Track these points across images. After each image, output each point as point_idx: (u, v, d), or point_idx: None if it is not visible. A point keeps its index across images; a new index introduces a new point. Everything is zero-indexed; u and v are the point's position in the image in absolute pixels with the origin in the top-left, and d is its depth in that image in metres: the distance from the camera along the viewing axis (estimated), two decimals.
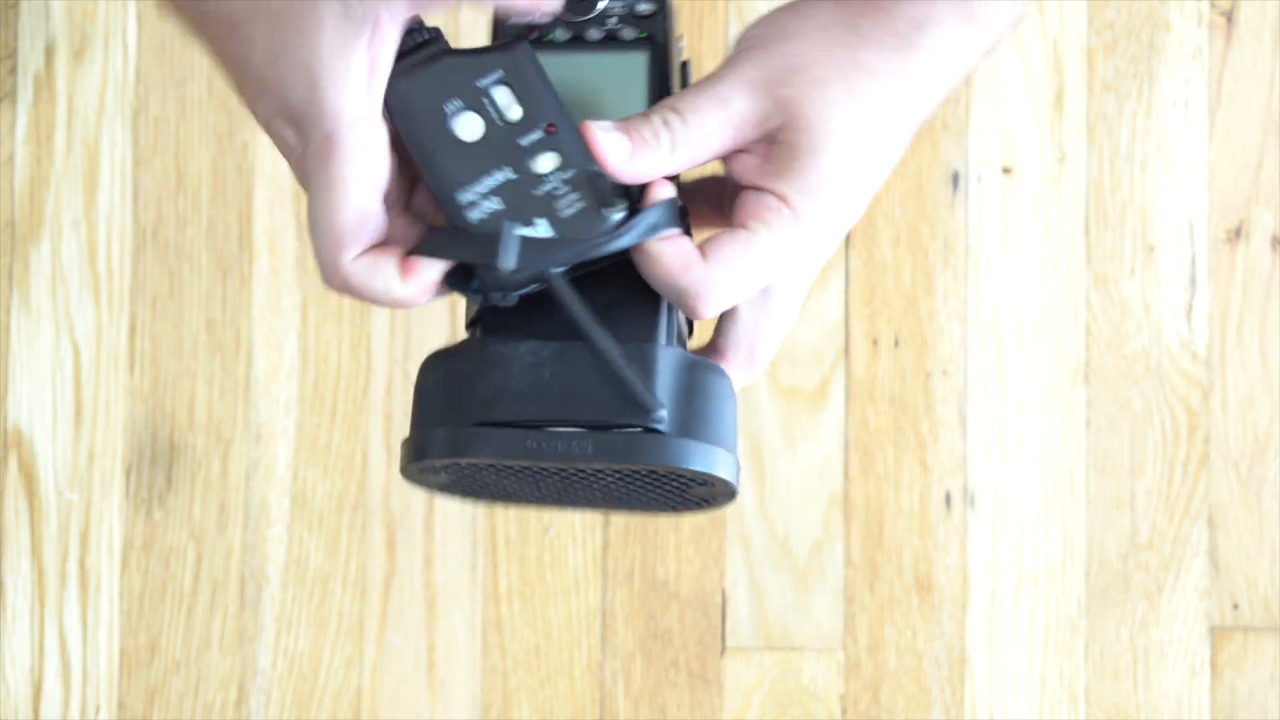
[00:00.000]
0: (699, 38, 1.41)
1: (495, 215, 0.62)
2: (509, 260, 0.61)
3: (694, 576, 1.37)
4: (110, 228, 1.39)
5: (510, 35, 0.68)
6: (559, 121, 0.63)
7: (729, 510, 1.38)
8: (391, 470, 1.37)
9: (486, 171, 0.63)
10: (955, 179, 1.40)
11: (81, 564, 1.37)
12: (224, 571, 1.37)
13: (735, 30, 1.40)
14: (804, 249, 0.65)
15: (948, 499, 1.37)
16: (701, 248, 0.65)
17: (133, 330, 1.39)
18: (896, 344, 1.39)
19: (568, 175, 0.63)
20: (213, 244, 1.39)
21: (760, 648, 1.37)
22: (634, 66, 0.68)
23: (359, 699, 1.36)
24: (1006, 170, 1.40)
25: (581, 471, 0.63)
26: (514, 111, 0.63)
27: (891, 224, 1.40)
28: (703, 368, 0.64)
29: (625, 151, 0.64)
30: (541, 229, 0.62)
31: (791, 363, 1.38)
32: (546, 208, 0.62)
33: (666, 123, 0.64)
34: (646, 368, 0.62)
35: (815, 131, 0.64)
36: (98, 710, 1.36)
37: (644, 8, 0.68)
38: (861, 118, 0.65)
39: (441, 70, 0.64)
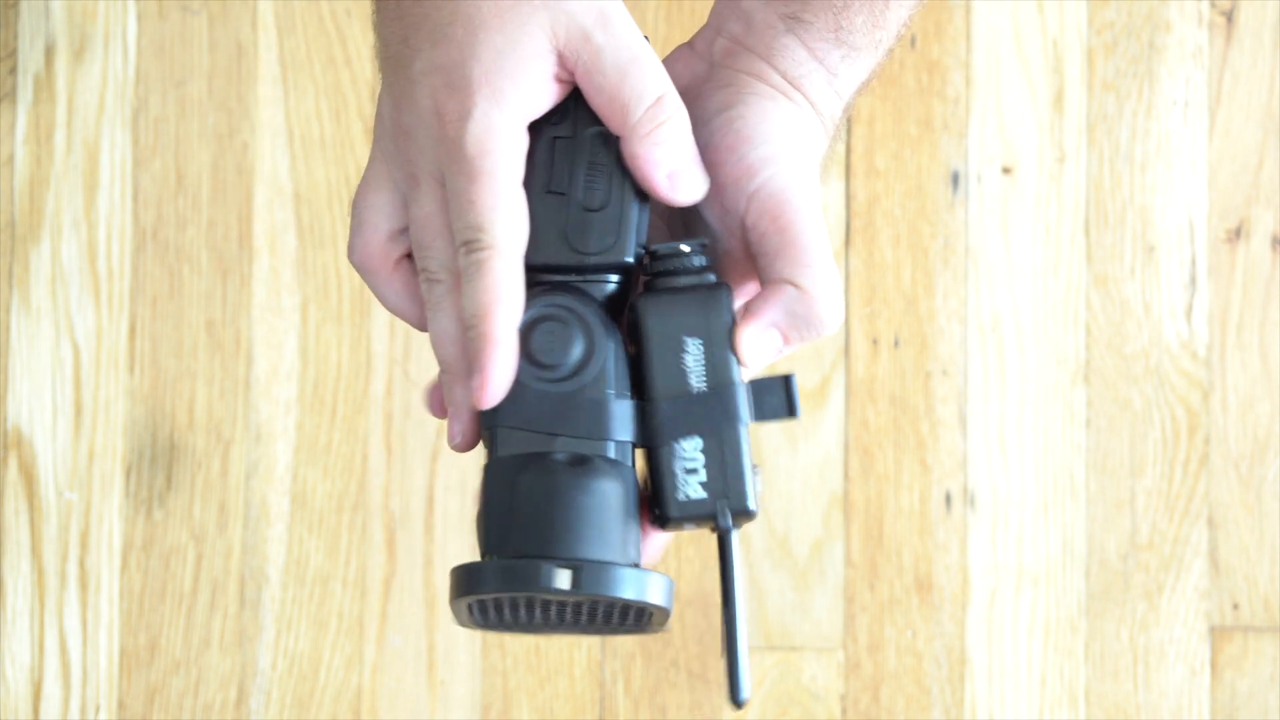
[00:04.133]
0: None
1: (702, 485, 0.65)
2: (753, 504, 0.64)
3: (694, 576, 1.37)
4: (110, 228, 1.39)
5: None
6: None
7: None
8: (391, 470, 1.37)
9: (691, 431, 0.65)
10: (955, 179, 1.40)
11: (81, 564, 1.37)
12: (224, 571, 1.37)
13: None
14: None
15: (948, 499, 1.37)
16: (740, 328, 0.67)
17: (133, 330, 1.39)
18: (896, 344, 1.39)
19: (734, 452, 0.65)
20: (213, 244, 1.39)
21: (760, 648, 1.37)
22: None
23: (359, 699, 1.36)
24: (1006, 170, 1.40)
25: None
26: (715, 375, 0.65)
27: (891, 224, 1.40)
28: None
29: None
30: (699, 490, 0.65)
31: (791, 362, 1.38)
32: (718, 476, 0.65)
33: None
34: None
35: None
36: (98, 710, 1.36)
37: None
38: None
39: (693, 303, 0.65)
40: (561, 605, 0.63)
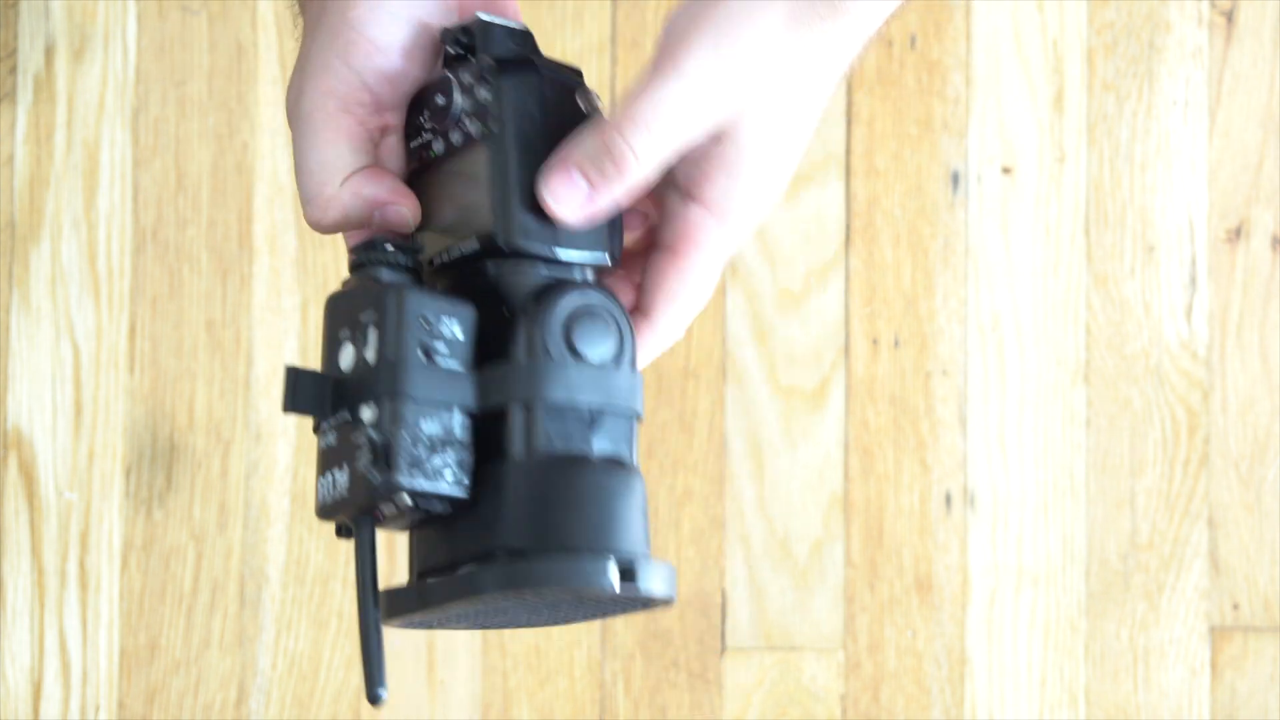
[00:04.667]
0: None
1: (324, 452, 0.63)
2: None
3: (694, 576, 1.37)
4: (110, 228, 1.39)
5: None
6: (394, 371, 0.62)
7: (729, 510, 1.38)
8: None
9: (339, 406, 0.63)
10: (955, 179, 1.40)
11: (81, 564, 1.37)
12: (224, 571, 1.37)
13: None
14: (734, 249, 0.65)
15: (948, 499, 1.37)
16: (640, 302, 0.64)
17: (133, 330, 1.39)
18: (896, 344, 1.39)
19: (373, 430, 0.62)
20: (213, 244, 1.39)
21: (760, 648, 1.37)
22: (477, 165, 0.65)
23: (359, 699, 1.36)
24: (1006, 170, 1.40)
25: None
26: (370, 353, 0.62)
27: (891, 224, 1.40)
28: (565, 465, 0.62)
29: (581, 199, 0.62)
30: (340, 480, 0.63)
31: (791, 363, 1.38)
32: (349, 456, 0.62)
33: (618, 151, 0.61)
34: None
35: (765, 137, 0.62)
36: (98, 710, 1.36)
37: (483, 95, 0.64)
38: (808, 114, 0.63)
39: (358, 292, 0.63)
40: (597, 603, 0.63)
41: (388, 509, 0.63)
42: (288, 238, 1.39)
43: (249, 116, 1.40)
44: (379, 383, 0.61)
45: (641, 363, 0.65)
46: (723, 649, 1.37)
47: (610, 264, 0.64)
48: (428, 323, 0.61)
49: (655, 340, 0.65)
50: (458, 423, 0.62)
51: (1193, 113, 1.41)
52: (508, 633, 1.37)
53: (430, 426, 0.61)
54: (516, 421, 0.62)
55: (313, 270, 1.38)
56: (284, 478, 1.37)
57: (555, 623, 0.67)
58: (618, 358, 0.63)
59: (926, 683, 1.37)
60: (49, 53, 1.40)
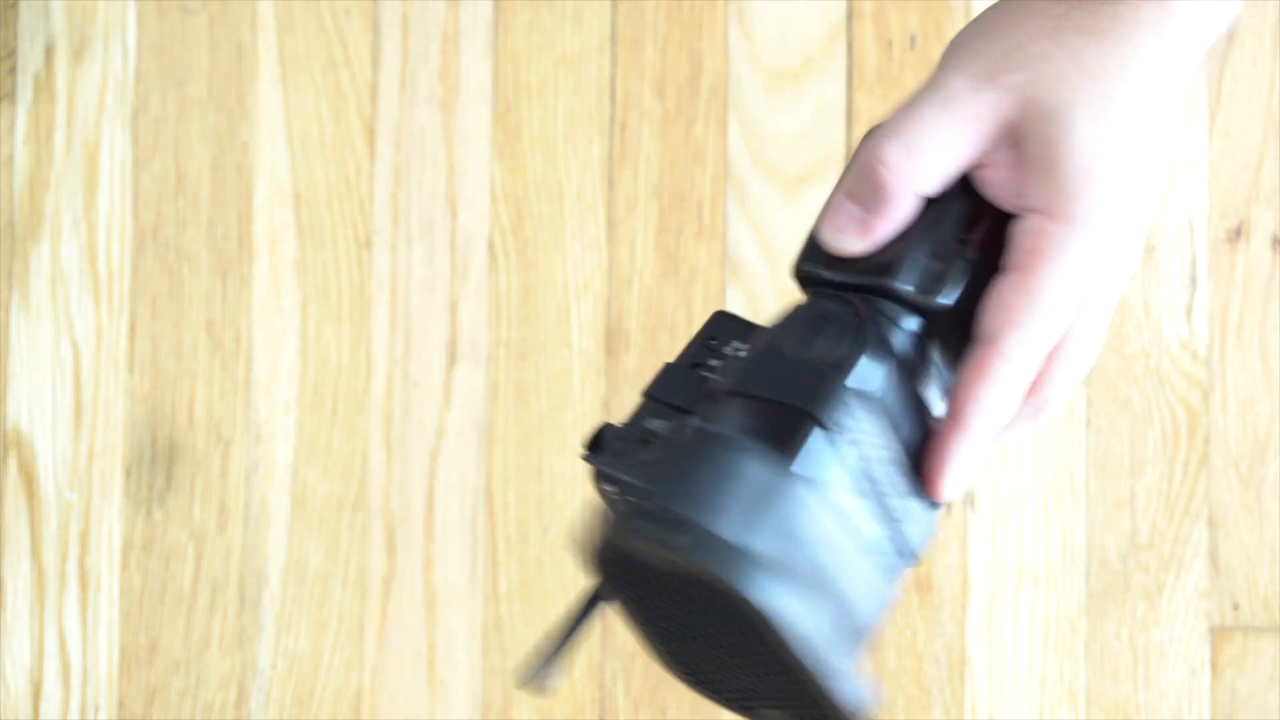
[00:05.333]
0: (699, 37, 1.41)
1: None
2: None
3: None
4: (110, 228, 1.39)
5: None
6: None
7: None
8: (391, 470, 1.37)
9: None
10: None
11: (81, 564, 1.37)
12: (224, 571, 1.37)
13: (736, 30, 1.40)
14: (1096, 260, 0.56)
15: None
16: (980, 329, 0.57)
17: (133, 330, 1.39)
18: None
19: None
20: (213, 244, 1.39)
21: None
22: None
23: (359, 699, 1.36)
24: None
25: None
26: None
27: None
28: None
29: (850, 223, 0.59)
30: None
31: None
32: None
33: (871, 170, 0.57)
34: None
35: (1059, 115, 0.56)
36: (98, 710, 1.36)
37: None
38: (1111, 84, 0.57)
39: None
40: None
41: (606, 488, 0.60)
42: (288, 238, 1.39)
43: (249, 116, 1.40)
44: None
45: (993, 411, 0.58)
46: None
47: (936, 303, 0.59)
48: (714, 339, 0.60)
49: (1007, 370, 0.57)
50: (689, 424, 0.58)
51: (1193, 113, 1.41)
52: (507, 633, 1.37)
53: (653, 423, 0.59)
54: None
55: (313, 270, 1.38)
56: (284, 478, 1.37)
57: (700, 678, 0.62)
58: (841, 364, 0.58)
59: (926, 683, 1.37)
60: (49, 53, 1.40)
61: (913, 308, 0.59)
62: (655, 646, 0.60)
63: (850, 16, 1.40)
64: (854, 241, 0.59)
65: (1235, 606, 1.37)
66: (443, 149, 1.40)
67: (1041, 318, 0.56)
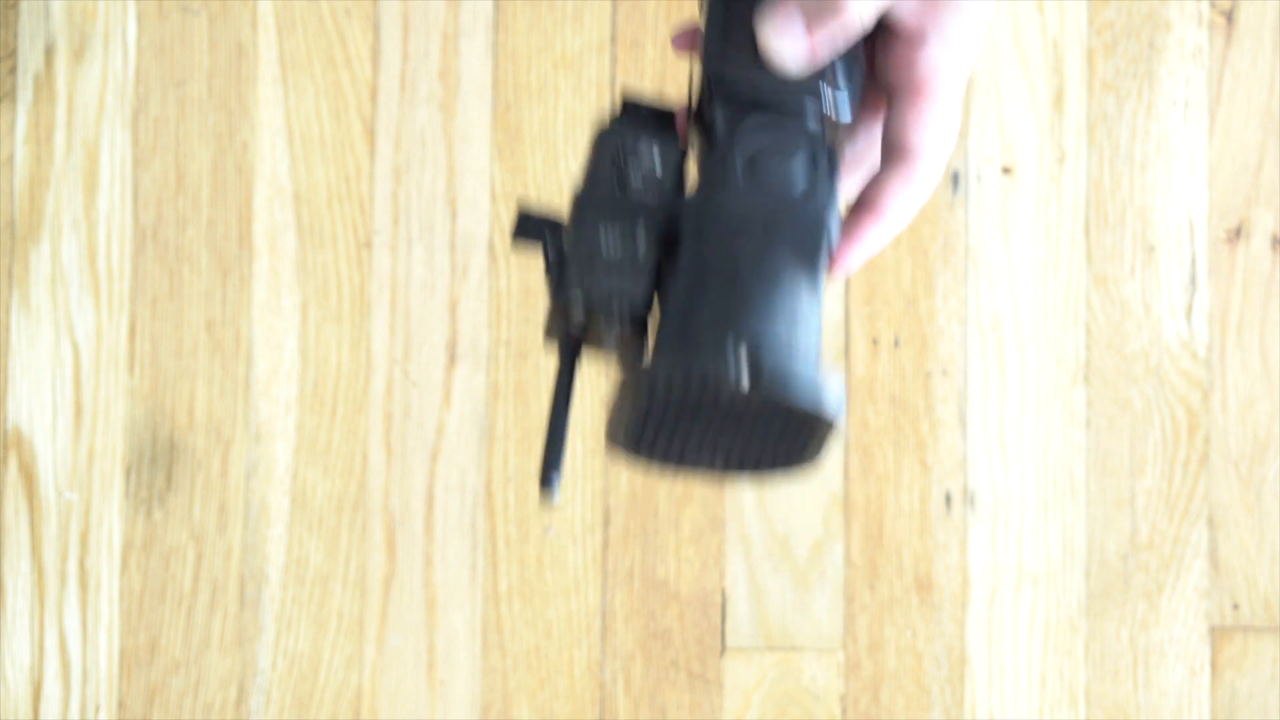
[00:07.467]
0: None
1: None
2: None
3: (694, 576, 1.37)
4: (110, 228, 1.39)
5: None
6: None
7: (729, 510, 1.38)
8: (391, 470, 1.37)
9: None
10: (955, 179, 1.40)
11: (81, 564, 1.37)
12: (224, 571, 1.37)
13: None
14: (965, 72, 0.65)
15: (948, 499, 1.37)
16: (896, 146, 0.64)
17: (133, 330, 1.39)
18: (896, 344, 1.39)
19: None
20: (213, 244, 1.39)
21: (760, 648, 1.37)
22: None
23: (359, 699, 1.36)
24: (1006, 170, 1.40)
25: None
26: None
27: None
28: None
29: (797, 38, 0.62)
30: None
31: None
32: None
33: None
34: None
35: None
36: (98, 710, 1.36)
37: None
38: None
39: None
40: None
41: (574, 315, 0.64)
42: (288, 238, 1.39)
43: (249, 116, 1.40)
44: (570, 208, 0.64)
45: (915, 209, 0.65)
46: (723, 649, 1.37)
47: (837, 117, 0.63)
48: (623, 154, 0.63)
49: (922, 178, 0.64)
50: (640, 239, 0.63)
51: (1193, 113, 1.41)
52: (507, 632, 1.37)
53: (609, 240, 0.63)
54: (689, 235, 0.63)
55: (313, 270, 1.38)
56: (284, 478, 1.37)
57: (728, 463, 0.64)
58: (807, 193, 0.63)
59: (926, 683, 1.37)
60: (49, 53, 1.40)
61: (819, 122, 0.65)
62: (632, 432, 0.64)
63: None
64: (791, 53, 0.62)
65: (1235, 606, 1.37)
66: (443, 149, 1.40)
67: (947, 129, 0.64)
